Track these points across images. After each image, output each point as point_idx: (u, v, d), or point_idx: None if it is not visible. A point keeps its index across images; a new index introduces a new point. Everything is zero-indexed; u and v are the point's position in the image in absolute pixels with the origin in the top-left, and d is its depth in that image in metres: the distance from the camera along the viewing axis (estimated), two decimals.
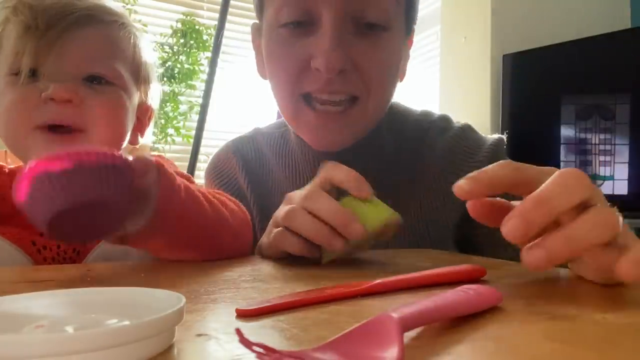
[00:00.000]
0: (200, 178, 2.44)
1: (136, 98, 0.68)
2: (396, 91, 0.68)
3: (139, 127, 0.72)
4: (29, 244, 0.59)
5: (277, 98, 0.66)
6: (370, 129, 0.66)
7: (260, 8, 0.65)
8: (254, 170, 0.76)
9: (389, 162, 0.68)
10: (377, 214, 0.51)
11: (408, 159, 0.69)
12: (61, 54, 0.59)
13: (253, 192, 0.74)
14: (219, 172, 0.79)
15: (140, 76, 0.68)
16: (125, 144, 0.67)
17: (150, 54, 0.71)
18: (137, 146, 0.74)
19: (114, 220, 0.42)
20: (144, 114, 0.72)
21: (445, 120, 0.73)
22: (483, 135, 0.71)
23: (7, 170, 0.66)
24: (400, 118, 0.72)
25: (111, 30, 0.63)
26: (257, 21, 0.68)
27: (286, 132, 0.75)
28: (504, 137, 0.70)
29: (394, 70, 0.64)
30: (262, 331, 0.29)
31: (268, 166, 0.75)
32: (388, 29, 0.60)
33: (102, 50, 0.62)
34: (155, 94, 0.73)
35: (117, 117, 0.64)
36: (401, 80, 0.69)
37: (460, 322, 0.30)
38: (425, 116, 0.73)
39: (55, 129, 0.59)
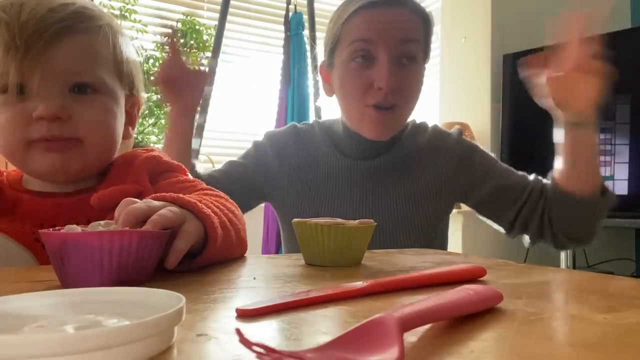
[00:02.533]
0: None
1: (122, 96, 0.69)
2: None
3: (130, 121, 0.73)
4: (32, 241, 0.59)
5: (346, 106, 0.96)
6: (400, 129, 0.99)
7: (332, 51, 0.96)
8: (300, 143, 1.04)
9: (397, 144, 1.02)
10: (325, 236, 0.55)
11: (410, 144, 1.03)
12: (44, 70, 0.60)
13: (292, 165, 1.02)
14: (272, 135, 1.06)
15: (123, 73, 0.69)
16: (118, 144, 0.69)
17: (130, 47, 0.72)
18: (128, 141, 0.74)
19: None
20: (132, 107, 0.73)
21: (424, 123, 1.09)
22: (447, 130, 1.07)
23: (5, 174, 0.68)
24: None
25: (89, 38, 0.64)
26: (324, 59, 1.01)
27: (336, 123, 1.05)
28: (461, 128, 1.08)
29: (418, 90, 0.97)
30: (262, 331, 0.29)
31: (317, 140, 1.04)
32: (416, 62, 0.94)
33: (83, 60, 0.63)
34: (140, 86, 0.74)
35: (106, 124, 0.65)
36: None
37: (460, 322, 0.30)
38: (414, 122, 1.08)
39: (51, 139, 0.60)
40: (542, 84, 0.88)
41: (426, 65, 1.02)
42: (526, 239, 1.00)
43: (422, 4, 0.97)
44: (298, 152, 1.03)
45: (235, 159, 1.03)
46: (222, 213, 0.57)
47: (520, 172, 1.00)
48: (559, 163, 0.91)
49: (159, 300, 0.27)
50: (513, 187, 0.97)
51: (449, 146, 1.01)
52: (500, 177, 0.98)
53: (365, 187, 0.98)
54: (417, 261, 0.59)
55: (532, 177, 0.99)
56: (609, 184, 1.96)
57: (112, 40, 0.66)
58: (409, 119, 1.06)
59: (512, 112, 2.19)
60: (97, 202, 0.61)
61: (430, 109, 2.58)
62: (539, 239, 0.97)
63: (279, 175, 1.00)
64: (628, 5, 2.49)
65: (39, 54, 0.59)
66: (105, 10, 0.70)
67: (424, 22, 0.95)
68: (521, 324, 0.30)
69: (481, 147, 1.05)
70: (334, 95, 0.99)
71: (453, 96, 2.42)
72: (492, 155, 1.04)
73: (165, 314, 0.23)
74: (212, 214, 0.52)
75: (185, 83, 0.97)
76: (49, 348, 0.20)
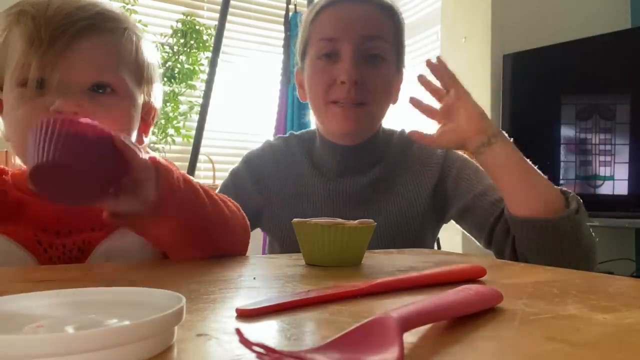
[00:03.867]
0: (200, 178, 2.42)
1: (140, 101, 0.68)
2: (399, 97, 0.97)
3: (144, 128, 0.72)
4: (34, 244, 0.59)
5: (314, 104, 0.93)
6: (371, 129, 0.95)
7: (303, 53, 0.94)
8: (278, 163, 0.98)
9: (382, 160, 0.96)
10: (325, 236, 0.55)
11: (396, 154, 0.97)
12: (66, 65, 0.59)
13: (272, 188, 0.96)
14: (250, 159, 1.01)
15: (143, 78, 0.68)
16: None
17: (152, 54, 0.71)
18: (142, 146, 0.74)
19: (92, 187, 0.51)
20: (147, 114, 0.72)
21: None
22: None
23: (10, 173, 0.67)
24: (388, 133, 1.01)
25: (113, 39, 0.64)
26: (299, 64, 0.98)
27: (313, 138, 1.00)
28: None
29: (388, 88, 0.93)
30: (262, 331, 0.29)
31: (295, 159, 0.99)
32: (385, 61, 0.90)
33: (106, 59, 0.63)
34: (158, 93, 0.73)
35: (122, 128, 0.65)
36: (394, 103, 0.97)
37: (460, 322, 0.30)
38: (402, 133, 1.02)
39: None
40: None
41: (404, 70, 0.97)
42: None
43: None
44: (277, 173, 0.97)
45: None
46: (203, 189, 0.60)
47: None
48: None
49: (159, 300, 0.27)
50: (481, 209, 0.85)
51: (435, 160, 0.94)
52: (467, 198, 0.87)
53: (348, 209, 0.91)
54: (417, 261, 0.59)
55: None
56: (608, 183, 1.97)
57: (135, 44, 0.66)
58: (401, 131, 1.01)
59: (512, 112, 2.19)
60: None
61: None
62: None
63: (260, 200, 0.94)
64: (628, 5, 2.49)
65: (62, 49, 0.58)
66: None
67: (393, 20, 0.92)
68: (521, 324, 0.30)
69: (466, 162, 0.94)
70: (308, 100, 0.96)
71: None
72: (478, 171, 0.91)
73: (165, 314, 0.23)
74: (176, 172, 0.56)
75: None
76: (49, 348, 0.20)
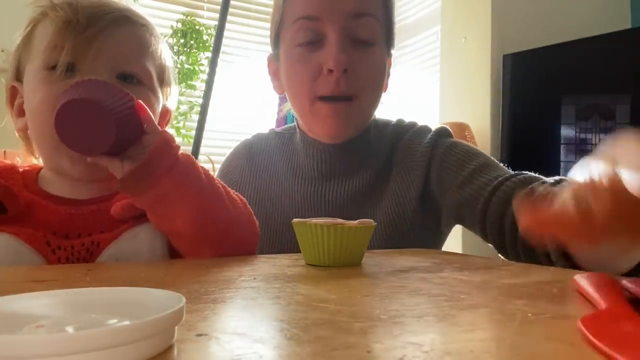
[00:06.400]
0: None
1: (161, 99, 0.70)
2: (396, 96, 0.93)
3: None
4: (43, 245, 0.58)
5: (295, 102, 0.80)
6: (363, 127, 0.83)
7: (276, 38, 0.82)
8: (258, 162, 0.91)
9: (373, 156, 0.85)
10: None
11: (387, 153, 0.85)
12: (98, 51, 0.60)
13: (254, 178, 0.90)
14: (227, 162, 0.95)
15: (164, 79, 0.70)
16: None
17: (169, 58, 0.73)
18: None
19: (108, 136, 0.53)
20: (163, 116, 0.73)
21: (411, 124, 0.90)
22: (431, 128, 0.88)
23: (21, 170, 0.66)
24: (382, 126, 0.89)
25: (143, 33, 0.66)
26: (271, 52, 0.86)
27: (294, 134, 0.90)
28: (447, 126, 0.88)
29: (380, 77, 0.81)
30: (262, 331, 0.28)
31: (272, 159, 0.90)
32: (374, 45, 0.78)
33: (136, 50, 0.65)
34: (173, 97, 0.75)
35: None
36: (385, 91, 0.85)
37: (459, 322, 0.30)
38: (399, 122, 0.91)
39: None
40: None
41: (392, 52, 0.85)
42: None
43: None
44: (254, 181, 0.88)
45: None
46: (205, 173, 0.61)
47: (494, 174, 0.71)
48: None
49: (159, 300, 0.27)
50: (470, 196, 0.73)
51: (419, 154, 0.82)
52: (453, 190, 0.75)
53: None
54: (417, 261, 0.59)
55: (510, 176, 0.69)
56: None
57: (160, 45, 0.69)
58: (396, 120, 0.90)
59: (512, 112, 2.19)
60: (120, 212, 0.61)
61: (430, 109, 2.59)
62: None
63: None
64: (628, 5, 2.49)
65: (97, 33, 0.60)
66: None
67: None
68: (521, 324, 0.30)
69: (452, 147, 0.81)
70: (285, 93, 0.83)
71: (453, 96, 2.42)
72: (467, 153, 0.79)
73: (165, 314, 0.23)
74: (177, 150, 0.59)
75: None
76: (49, 348, 0.20)
